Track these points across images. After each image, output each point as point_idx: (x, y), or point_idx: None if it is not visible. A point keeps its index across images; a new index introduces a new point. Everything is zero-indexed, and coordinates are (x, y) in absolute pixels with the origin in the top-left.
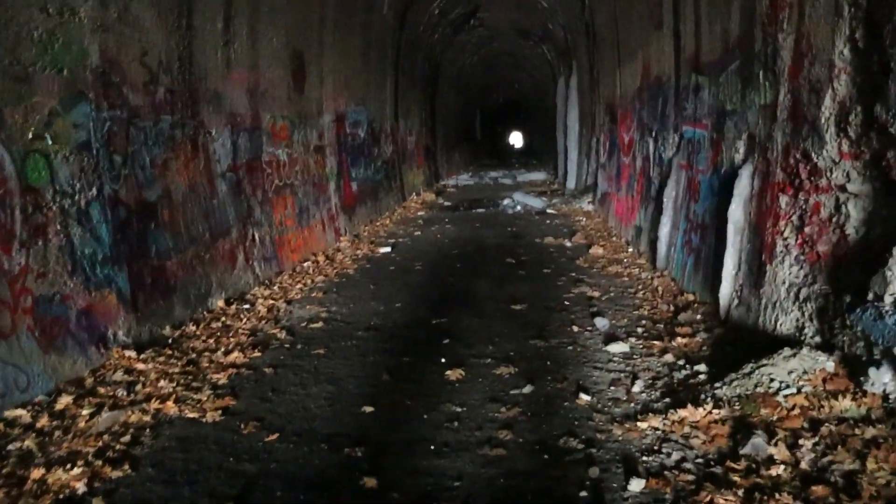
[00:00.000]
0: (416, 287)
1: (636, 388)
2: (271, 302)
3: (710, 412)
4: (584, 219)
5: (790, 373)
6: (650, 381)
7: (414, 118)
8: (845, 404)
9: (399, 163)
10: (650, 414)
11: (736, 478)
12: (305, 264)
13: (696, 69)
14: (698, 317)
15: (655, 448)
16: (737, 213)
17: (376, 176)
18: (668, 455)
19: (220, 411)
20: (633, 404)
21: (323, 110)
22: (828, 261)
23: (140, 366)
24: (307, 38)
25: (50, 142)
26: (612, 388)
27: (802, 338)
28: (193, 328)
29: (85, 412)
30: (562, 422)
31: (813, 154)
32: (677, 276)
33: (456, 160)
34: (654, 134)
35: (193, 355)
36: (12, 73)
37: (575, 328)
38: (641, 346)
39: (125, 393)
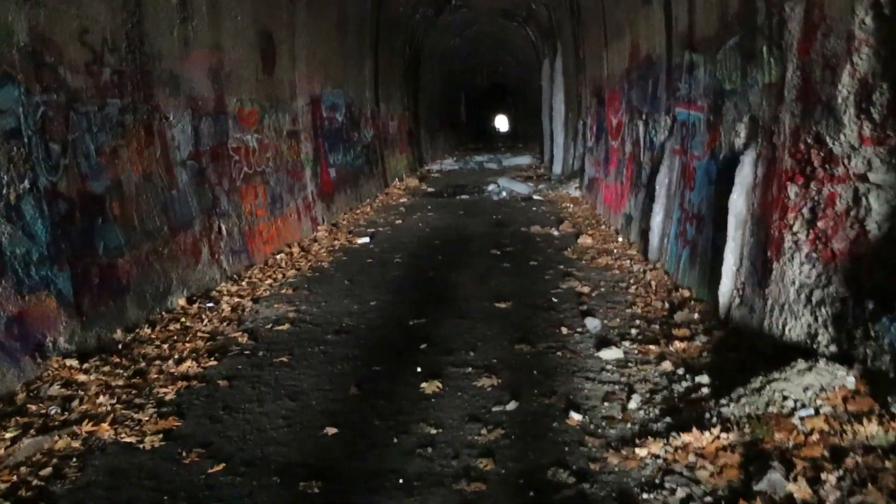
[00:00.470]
0: (394, 282)
1: (632, 405)
2: (237, 300)
3: (718, 437)
4: (572, 205)
5: (806, 389)
6: (648, 395)
7: (396, 102)
8: (871, 429)
9: (381, 148)
10: (650, 437)
11: None
12: (278, 256)
13: (690, 46)
14: (695, 316)
15: (657, 482)
16: (738, 204)
17: (356, 162)
18: (672, 492)
19: (161, 435)
20: (629, 424)
21: (296, 93)
22: (845, 260)
23: (81, 377)
24: (276, 16)
25: None
26: (606, 403)
27: (815, 346)
28: (148, 331)
29: (8, 435)
30: (550, 447)
31: (828, 138)
32: (671, 269)
33: (440, 144)
34: (644, 117)
35: (143, 364)
36: None
37: (564, 330)
38: (636, 352)
39: (59, 410)
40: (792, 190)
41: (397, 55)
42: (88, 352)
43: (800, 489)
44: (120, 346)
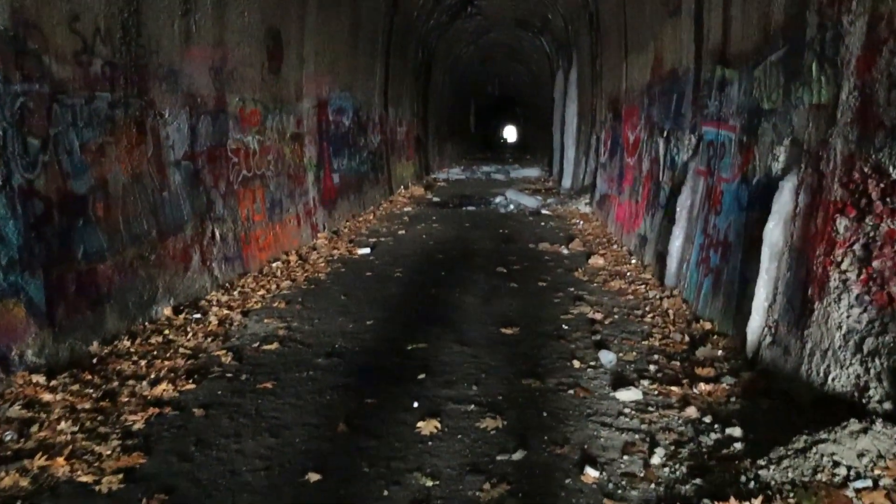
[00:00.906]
0: (393, 300)
1: (656, 460)
2: (226, 312)
3: None
4: (582, 222)
5: (861, 456)
6: (672, 449)
7: (405, 108)
8: None
9: (387, 154)
10: None
11: None
12: (274, 265)
13: (723, 61)
14: (719, 352)
15: None
16: (774, 234)
17: (361, 167)
18: None
19: (121, 475)
20: (653, 485)
21: (302, 95)
22: None
23: (46, 396)
24: (286, 14)
25: None
26: (626, 457)
27: (865, 401)
28: (128, 343)
29: None
30: None
31: (891, 168)
32: (690, 297)
33: (448, 153)
34: (665, 134)
35: (115, 383)
36: None
37: (576, 363)
38: (657, 393)
39: (15, 437)
40: (841, 223)
41: (409, 60)
42: (59, 366)
43: None
44: (94, 361)
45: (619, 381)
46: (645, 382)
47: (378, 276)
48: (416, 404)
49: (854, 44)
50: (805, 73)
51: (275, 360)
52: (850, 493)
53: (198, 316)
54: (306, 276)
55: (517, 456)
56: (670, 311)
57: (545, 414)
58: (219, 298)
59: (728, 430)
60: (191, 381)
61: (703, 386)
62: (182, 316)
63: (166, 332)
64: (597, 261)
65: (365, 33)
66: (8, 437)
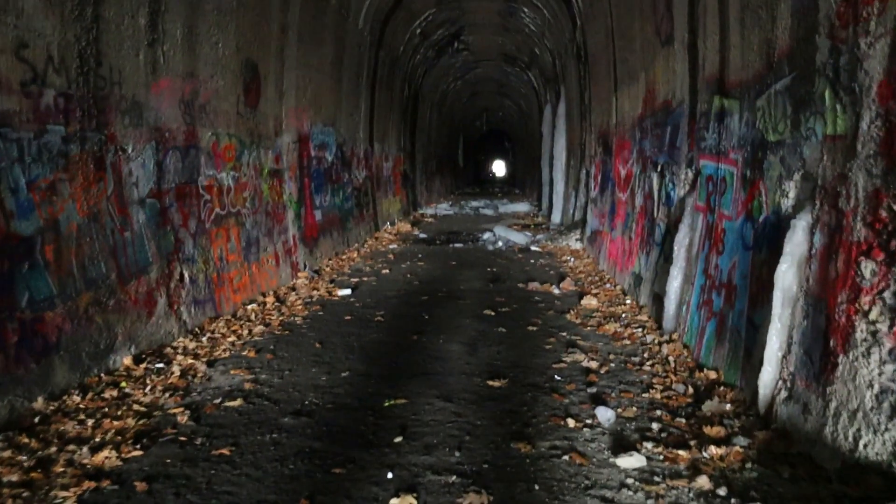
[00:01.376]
0: (372, 348)
1: None
2: (191, 361)
3: None
4: (573, 259)
5: None
6: None
7: (391, 142)
8: None
9: (373, 190)
10: None
11: None
12: (250, 307)
13: (721, 91)
14: (727, 406)
15: None
16: (787, 277)
17: (345, 204)
18: None
19: None
20: None
21: (282, 129)
22: None
23: None
24: (264, 47)
25: None
26: None
27: None
28: (78, 399)
29: None
30: None
31: None
32: (691, 343)
33: (436, 188)
34: (659, 168)
35: (53, 448)
36: None
37: (571, 422)
38: (662, 458)
39: None
40: (867, 267)
41: (395, 95)
42: None
43: None
44: (37, 420)
45: (620, 443)
46: (648, 445)
47: (358, 320)
48: (390, 475)
49: (874, 68)
50: (817, 102)
51: (236, 419)
52: None
53: (160, 366)
54: (282, 320)
55: None
56: (670, 359)
57: (537, 487)
58: (186, 345)
59: None
60: (139, 445)
61: (714, 449)
62: (143, 366)
63: (123, 384)
64: (590, 301)
65: (349, 67)
66: None
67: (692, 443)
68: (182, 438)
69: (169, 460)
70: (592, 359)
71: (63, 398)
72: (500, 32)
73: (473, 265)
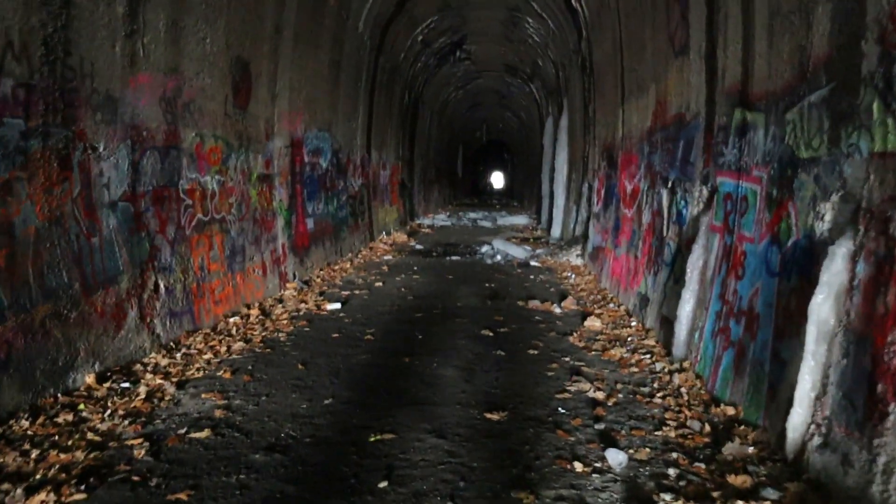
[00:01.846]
0: (359, 371)
1: None
2: (160, 381)
3: None
4: (574, 275)
5: None
6: None
7: (389, 150)
8: None
9: (369, 198)
10: None
11: None
12: (231, 320)
13: (744, 103)
14: (751, 450)
15: None
16: (823, 310)
17: (340, 212)
18: None
19: None
20: None
21: (274, 133)
22: None
23: None
24: (256, 45)
25: None
26: None
27: None
28: (27, 423)
29: None
30: None
31: None
32: (705, 373)
33: (434, 198)
34: (669, 184)
35: None
36: None
37: (578, 466)
38: None
39: None
40: None
41: (394, 102)
42: None
43: None
44: None
45: (634, 494)
46: (667, 497)
47: (346, 338)
48: None
49: None
50: (862, 115)
51: (201, 454)
52: None
53: (126, 385)
54: (265, 335)
55: None
56: (683, 390)
57: None
58: (158, 362)
59: None
60: (84, 486)
61: None
62: (107, 385)
63: (81, 406)
64: (593, 323)
65: (347, 71)
66: None
67: (715, 494)
68: (135, 478)
69: None
70: (599, 388)
71: (10, 423)
72: (503, 42)
73: (471, 280)
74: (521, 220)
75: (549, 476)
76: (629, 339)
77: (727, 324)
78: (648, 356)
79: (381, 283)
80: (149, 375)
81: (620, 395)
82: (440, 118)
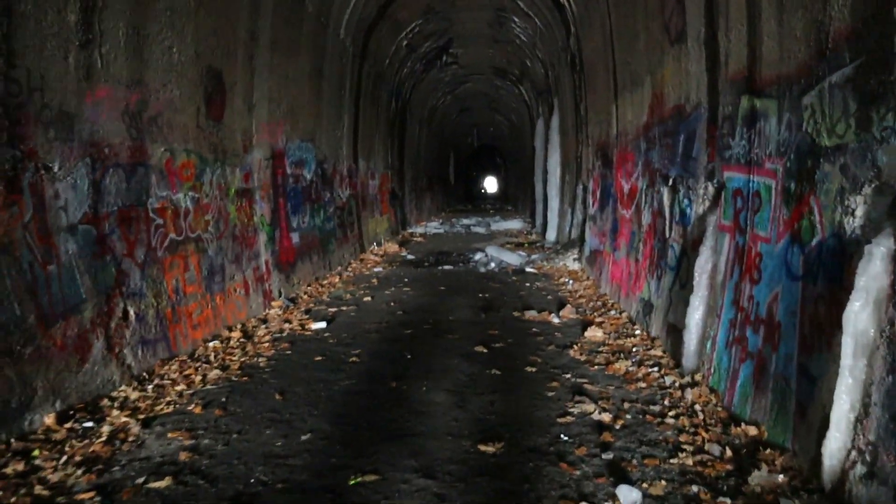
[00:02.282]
0: (342, 399)
1: None
2: (125, 419)
3: None
4: (571, 281)
5: None
6: None
7: (378, 159)
8: None
9: (357, 209)
10: None
11: None
12: (211, 345)
13: (751, 89)
14: (780, 478)
15: None
16: (861, 320)
17: (327, 225)
18: None
19: None
20: None
21: (252, 145)
22: None
23: None
24: (229, 54)
25: None
26: None
27: None
28: None
29: None
30: None
31: None
32: (720, 387)
33: (426, 206)
34: (670, 182)
35: None
36: None
37: None
38: None
39: None
40: None
41: (381, 109)
42: None
43: None
44: None
45: None
46: None
47: (329, 361)
48: None
49: None
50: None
51: None
52: None
53: (89, 424)
54: (244, 361)
55: None
56: (697, 407)
57: None
58: (127, 396)
59: None
60: None
61: None
62: (68, 426)
63: (36, 453)
64: (594, 333)
65: (330, 79)
66: None
67: None
68: None
69: None
70: (604, 409)
71: None
72: (490, 44)
73: (464, 290)
74: (515, 224)
75: None
76: (634, 349)
77: (743, 333)
78: (656, 369)
79: (369, 298)
80: (115, 412)
81: (628, 416)
82: (429, 124)
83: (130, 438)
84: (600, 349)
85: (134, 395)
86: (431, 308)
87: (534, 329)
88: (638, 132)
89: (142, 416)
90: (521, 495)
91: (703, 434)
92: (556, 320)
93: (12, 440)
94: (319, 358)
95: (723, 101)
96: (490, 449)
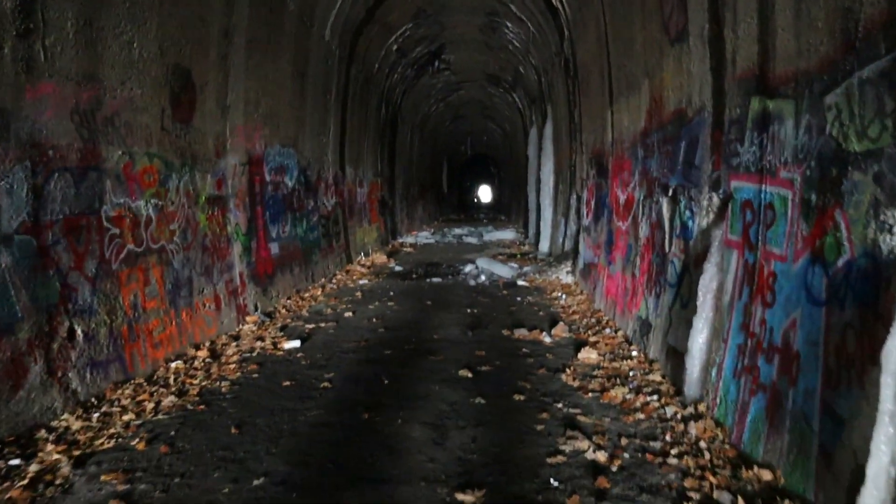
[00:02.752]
0: (307, 433)
1: None
2: (57, 456)
3: None
4: (564, 295)
5: None
6: None
7: (367, 166)
8: None
9: (344, 218)
10: None
11: None
12: (173, 365)
13: (763, 89)
14: None
15: None
16: None
17: (310, 235)
18: None
19: None
20: None
21: (226, 149)
22: None
23: None
24: (201, 51)
25: None
26: None
27: None
28: None
29: None
30: None
31: None
32: (726, 420)
33: (418, 214)
34: (670, 192)
35: None
36: None
37: None
38: None
39: None
40: None
41: (370, 115)
42: None
43: None
44: None
45: None
46: None
47: (299, 386)
48: None
49: None
50: None
51: None
52: None
53: (16, 462)
54: (204, 385)
55: None
56: (702, 444)
57: None
58: (69, 426)
59: None
60: None
61: None
62: None
63: None
64: (588, 354)
65: (314, 83)
66: None
67: None
68: None
69: None
70: (599, 445)
71: None
72: (483, 50)
73: (451, 305)
74: (507, 234)
75: None
76: (631, 373)
77: (754, 361)
78: (656, 397)
79: (351, 314)
80: (50, 446)
81: (626, 455)
82: (422, 132)
83: (58, 481)
84: (595, 373)
85: (76, 424)
86: (416, 325)
87: (524, 349)
88: (635, 139)
89: (77, 453)
90: None
91: (711, 478)
92: (547, 339)
93: None
94: (288, 383)
95: (730, 104)
96: (469, 498)
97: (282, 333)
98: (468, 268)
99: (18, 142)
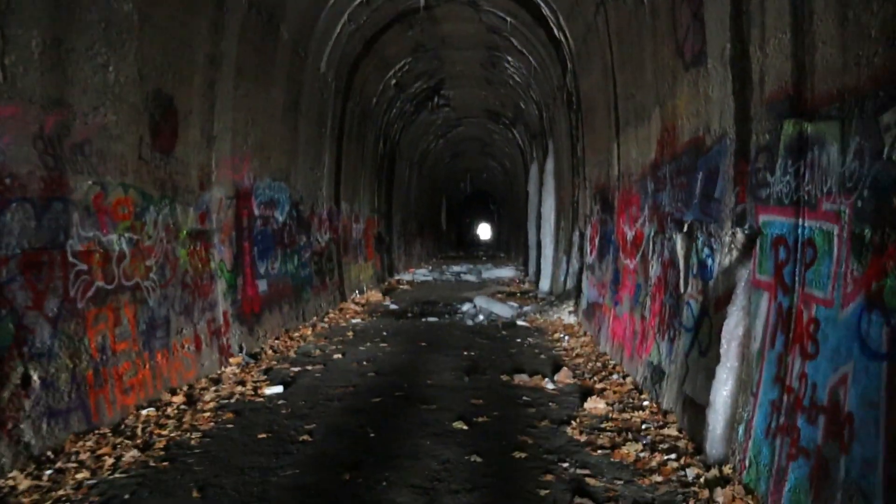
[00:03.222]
0: (277, 498)
1: None
2: None
3: None
4: (567, 337)
5: None
6: None
7: (363, 202)
8: None
9: (338, 254)
10: None
11: None
12: (144, 412)
13: (799, 111)
14: None
15: None
16: None
17: (301, 271)
18: None
19: None
20: None
21: (211, 182)
22: None
23: None
24: (184, 78)
25: None
26: None
27: None
28: None
29: None
30: None
31: None
32: (758, 487)
33: (416, 252)
34: (685, 228)
35: None
36: None
37: None
38: None
39: None
40: None
41: (367, 150)
42: None
43: None
44: None
45: None
46: None
47: (276, 440)
48: None
49: None
50: None
51: None
52: None
53: None
54: (174, 437)
55: None
56: None
57: None
58: (16, 485)
59: None
60: None
61: None
62: None
63: None
64: (595, 404)
65: (308, 115)
66: None
67: None
68: None
69: None
70: None
71: None
72: (483, 86)
73: (447, 347)
74: (507, 272)
75: None
76: (644, 426)
77: (793, 421)
78: (673, 455)
79: (340, 356)
80: None
81: None
82: (420, 168)
83: None
84: (603, 425)
85: (24, 483)
86: (408, 369)
87: (524, 397)
88: (644, 171)
89: None
90: None
91: None
92: (550, 386)
93: None
94: (264, 435)
95: (756, 129)
96: None
97: (265, 377)
98: (466, 307)
99: None
